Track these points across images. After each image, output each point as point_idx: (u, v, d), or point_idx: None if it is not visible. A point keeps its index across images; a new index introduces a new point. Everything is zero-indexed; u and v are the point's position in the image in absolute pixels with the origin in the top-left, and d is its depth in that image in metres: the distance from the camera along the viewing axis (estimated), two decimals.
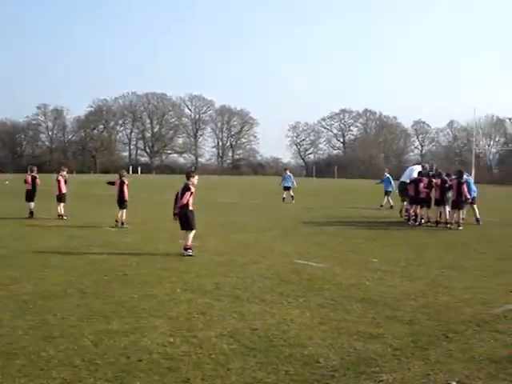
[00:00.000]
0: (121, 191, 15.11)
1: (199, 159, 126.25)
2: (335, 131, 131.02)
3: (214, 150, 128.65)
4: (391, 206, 23.33)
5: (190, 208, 10.43)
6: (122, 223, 14.74)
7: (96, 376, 4.39)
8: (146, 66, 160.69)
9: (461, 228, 15.69)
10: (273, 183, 59.29)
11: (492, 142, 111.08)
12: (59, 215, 16.89)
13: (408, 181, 17.44)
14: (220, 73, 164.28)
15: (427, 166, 18.27)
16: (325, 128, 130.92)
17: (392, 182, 24.26)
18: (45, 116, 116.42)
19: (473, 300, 7.02)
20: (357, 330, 5.63)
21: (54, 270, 8.65)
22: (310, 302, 6.75)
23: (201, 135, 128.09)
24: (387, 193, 24.12)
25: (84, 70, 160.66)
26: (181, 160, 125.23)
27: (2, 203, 22.81)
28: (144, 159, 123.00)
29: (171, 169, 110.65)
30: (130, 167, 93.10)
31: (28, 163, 35.32)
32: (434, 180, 16.54)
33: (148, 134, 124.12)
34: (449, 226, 15.93)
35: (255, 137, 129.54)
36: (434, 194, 16.65)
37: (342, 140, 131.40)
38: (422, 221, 16.64)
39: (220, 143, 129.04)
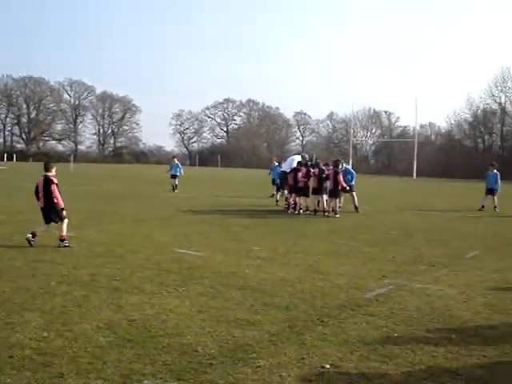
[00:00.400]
0: None
1: (79, 146, 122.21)
2: (219, 120, 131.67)
3: (95, 137, 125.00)
4: (272, 195, 23.77)
5: (60, 202, 9.95)
6: None
7: None
8: (25, 49, 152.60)
9: (338, 216, 16.30)
10: (155, 171, 58.57)
11: (369, 134, 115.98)
12: None
13: (288, 170, 17.86)
14: (103, 58, 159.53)
15: (306, 155, 18.84)
16: (208, 117, 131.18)
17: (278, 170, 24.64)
18: None
19: (347, 285, 7.31)
20: (235, 318, 5.69)
21: None
22: (189, 291, 6.74)
23: (81, 122, 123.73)
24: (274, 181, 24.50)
25: None
26: (59, 147, 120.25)
27: None
28: (20, 146, 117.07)
29: (49, 156, 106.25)
30: (5, 154, 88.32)
31: None
32: (312, 170, 17.04)
33: (24, 120, 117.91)
34: (326, 214, 16.49)
35: (138, 124, 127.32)
36: (312, 183, 17.14)
37: (225, 129, 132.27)
38: (301, 210, 17.09)
39: (101, 130, 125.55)
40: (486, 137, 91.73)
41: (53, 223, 10.04)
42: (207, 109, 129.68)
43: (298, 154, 19.28)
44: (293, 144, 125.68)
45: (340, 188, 16.82)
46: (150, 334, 5.15)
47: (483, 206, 20.69)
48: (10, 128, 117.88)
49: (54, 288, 6.78)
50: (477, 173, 22.99)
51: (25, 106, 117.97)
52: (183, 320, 5.60)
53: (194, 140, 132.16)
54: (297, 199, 17.17)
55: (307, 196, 17.24)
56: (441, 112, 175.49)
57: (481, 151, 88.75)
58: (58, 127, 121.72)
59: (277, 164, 24.71)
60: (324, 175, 16.82)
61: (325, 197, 16.84)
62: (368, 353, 4.80)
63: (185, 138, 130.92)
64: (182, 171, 28.45)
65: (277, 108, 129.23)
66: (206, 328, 5.34)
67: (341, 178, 16.77)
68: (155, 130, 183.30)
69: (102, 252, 9.35)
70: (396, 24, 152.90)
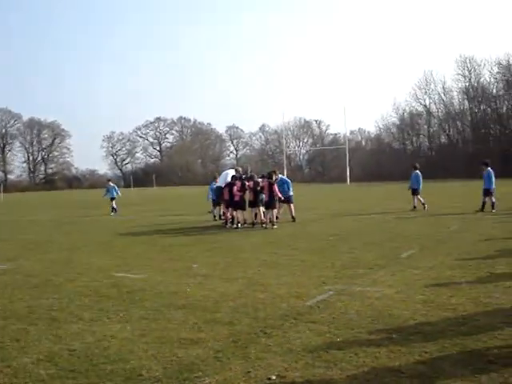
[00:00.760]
0: None
1: (8, 176, 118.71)
2: (151, 140, 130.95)
3: (25, 165, 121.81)
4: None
5: None
6: None
7: None
8: None
9: (275, 227, 16.42)
10: (89, 196, 57.52)
11: (301, 143, 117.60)
12: None
13: (223, 185, 17.88)
14: (27, 85, 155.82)
15: (240, 169, 18.99)
16: (140, 137, 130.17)
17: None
18: None
19: (288, 294, 7.36)
20: (178, 338, 5.63)
21: None
22: (130, 315, 6.63)
23: (9, 150, 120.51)
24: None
25: None
26: None
27: None
28: None
29: None
30: None
31: None
32: (246, 183, 17.12)
33: None
34: (264, 226, 16.59)
35: (68, 149, 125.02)
36: (247, 196, 17.22)
37: (158, 148, 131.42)
38: (239, 224, 17.12)
39: (31, 158, 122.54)
40: (414, 138, 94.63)
41: None
42: (138, 129, 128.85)
43: (232, 168, 19.36)
44: (227, 158, 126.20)
45: (276, 199, 16.96)
46: (92, 362, 5.04)
47: (414, 207, 21.31)
48: None
49: None
50: (406, 174, 23.65)
51: None
52: (125, 345, 5.50)
53: (127, 161, 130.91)
54: (234, 213, 17.20)
55: (244, 209, 17.30)
56: (369, 117, 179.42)
57: (410, 153, 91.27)
58: None
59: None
60: (259, 187, 16.92)
61: (261, 209, 16.95)
62: (313, 360, 4.83)
63: (118, 159, 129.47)
64: (119, 193, 28.31)
65: (209, 124, 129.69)
66: (149, 351, 5.27)
67: (275, 188, 16.93)
68: (87, 154, 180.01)
69: (38, 283, 9.08)
70: (321, 34, 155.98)
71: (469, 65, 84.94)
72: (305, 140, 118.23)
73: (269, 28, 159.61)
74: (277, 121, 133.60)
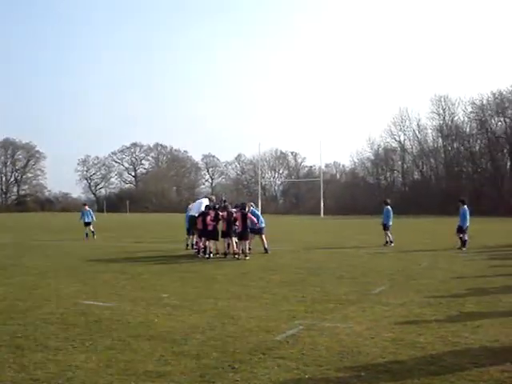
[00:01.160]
0: None
1: None
2: (127, 165, 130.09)
3: None
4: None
5: None
6: None
7: None
8: None
9: (248, 258, 16.36)
10: (61, 219, 56.86)
11: (276, 174, 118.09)
12: None
13: (196, 215, 17.80)
14: (3, 103, 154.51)
15: (213, 197, 19.00)
16: (116, 162, 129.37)
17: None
18: None
19: (258, 328, 7.30)
20: (145, 370, 5.53)
21: None
22: (96, 345, 6.51)
23: None
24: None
25: None
26: None
27: None
28: None
29: None
30: None
31: None
32: (220, 213, 17.09)
33: None
34: (237, 256, 16.52)
35: (42, 171, 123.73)
36: (221, 226, 17.17)
37: (133, 174, 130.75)
38: (211, 254, 17.02)
39: (3, 178, 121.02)
40: (388, 174, 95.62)
41: None
42: (114, 154, 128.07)
43: (206, 197, 19.29)
44: (202, 187, 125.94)
45: (249, 230, 16.96)
46: None
47: (387, 242, 21.45)
48: None
49: None
50: (380, 209, 23.82)
51: None
52: (90, 376, 5.39)
53: (101, 186, 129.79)
54: (206, 243, 17.11)
55: (217, 239, 17.23)
56: (345, 151, 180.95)
57: (384, 188, 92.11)
58: None
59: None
60: (233, 218, 16.91)
61: (234, 239, 16.90)
62: None
63: (92, 183, 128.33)
64: (94, 218, 28.11)
65: (185, 151, 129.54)
66: (114, 383, 5.16)
67: (250, 216, 16.97)
68: (60, 177, 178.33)
69: (2, 308, 8.90)
70: (298, 67, 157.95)
71: (443, 103, 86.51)
72: (280, 171, 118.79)
73: (247, 57, 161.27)
74: (253, 151, 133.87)
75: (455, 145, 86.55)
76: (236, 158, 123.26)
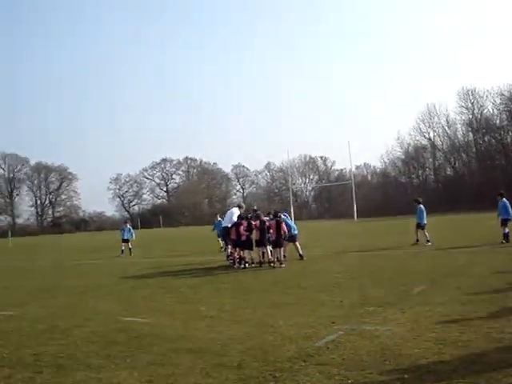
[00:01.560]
0: None
1: (17, 220, 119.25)
2: (158, 180, 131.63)
3: (33, 209, 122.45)
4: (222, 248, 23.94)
5: None
6: None
7: None
8: None
9: (283, 266, 16.31)
10: (97, 238, 57.54)
11: (307, 180, 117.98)
12: None
13: (229, 225, 17.83)
14: (34, 129, 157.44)
15: (243, 204, 19.09)
16: (147, 178, 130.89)
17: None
18: None
19: (297, 335, 7.25)
20: (186, 383, 5.54)
21: None
22: (137, 361, 6.54)
23: (17, 195, 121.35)
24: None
25: None
26: None
27: None
28: None
29: None
30: None
31: None
32: (253, 222, 17.09)
33: None
34: (272, 265, 16.48)
35: (76, 192, 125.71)
36: (254, 236, 17.17)
37: (165, 189, 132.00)
38: (247, 264, 17.01)
39: (38, 201, 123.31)
40: (420, 172, 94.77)
41: None
42: (145, 170, 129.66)
43: (237, 206, 19.28)
44: (234, 197, 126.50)
45: (283, 237, 16.93)
46: None
47: (417, 240, 21.26)
48: None
49: None
50: (412, 208, 23.56)
51: None
52: None
53: (134, 203, 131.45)
54: (241, 253, 17.12)
55: (251, 249, 17.22)
56: (374, 152, 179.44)
57: (416, 186, 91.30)
58: None
59: (220, 219, 25.05)
60: (266, 226, 16.89)
61: (269, 248, 16.88)
62: None
63: (125, 201, 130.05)
64: (133, 235, 28.38)
65: (215, 163, 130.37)
66: None
67: (283, 226, 16.94)
68: (94, 196, 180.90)
69: (45, 329, 9.00)
70: (322, 71, 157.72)
71: (471, 97, 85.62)
72: (310, 177, 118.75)
73: (270, 66, 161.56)
74: (282, 158, 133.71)
75: (486, 138, 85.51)
76: (266, 167, 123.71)
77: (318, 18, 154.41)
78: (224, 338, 7.38)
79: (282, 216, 17.90)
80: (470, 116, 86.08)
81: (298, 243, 18.24)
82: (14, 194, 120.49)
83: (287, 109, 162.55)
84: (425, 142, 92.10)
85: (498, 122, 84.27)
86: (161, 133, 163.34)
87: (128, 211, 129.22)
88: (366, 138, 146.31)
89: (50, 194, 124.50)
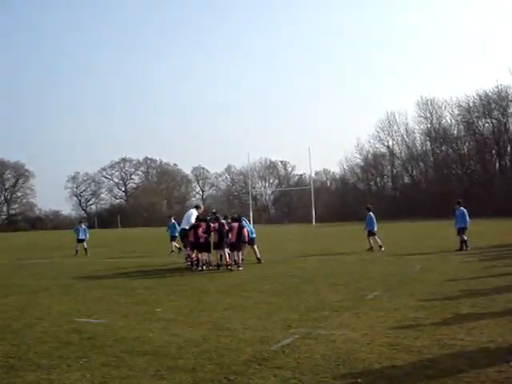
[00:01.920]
0: None
1: None
2: (116, 180, 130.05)
3: None
4: (179, 249, 24.01)
5: None
6: None
7: None
8: None
9: (241, 269, 16.31)
10: (52, 238, 56.54)
11: (267, 184, 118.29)
12: None
13: (187, 227, 17.73)
14: None
15: (202, 205, 19.09)
16: (106, 177, 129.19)
17: (177, 227, 25.11)
18: None
19: (253, 339, 7.26)
20: None
21: None
22: (91, 362, 6.44)
23: None
24: (173, 238, 24.89)
25: None
26: None
27: None
28: None
29: None
30: None
31: None
32: (212, 224, 17.04)
33: None
34: (230, 267, 16.45)
35: (32, 190, 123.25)
36: (212, 238, 17.13)
37: (123, 189, 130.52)
38: (204, 266, 16.94)
39: None
40: (378, 179, 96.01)
41: None
42: (104, 169, 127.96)
43: (194, 207, 19.15)
44: (193, 199, 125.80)
45: (242, 241, 16.95)
46: None
47: (371, 248, 21.59)
48: None
49: None
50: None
51: None
52: None
53: (91, 202, 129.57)
54: (199, 255, 17.04)
55: (209, 251, 17.16)
56: (334, 158, 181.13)
57: (374, 193, 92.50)
58: None
59: (174, 221, 25.11)
60: (225, 229, 16.86)
61: (227, 250, 16.85)
62: None
63: (82, 200, 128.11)
64: (87, 235, 28.06)
65: (175, 164, 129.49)
66: None
67: (245, 231, 16.99)
68: (51, 195, 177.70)
69: None
70: (284, 75, 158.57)
71: (430, 107, 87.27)
72: (270, 181, 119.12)
73: (235, 68, 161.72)
74: (243, 162, 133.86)
75: (444, 148, 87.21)
76: (226, 170, 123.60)
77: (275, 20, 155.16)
78: (179, 341, 7.33)
79: (243, 221, 17.92)
80: (429, 125, 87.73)
81: (255, 247, 18.28)
82: None
83: (249, 112, 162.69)
84: (384, 149, 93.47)
85: (455, 132, 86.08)
86: (121, 132, 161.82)
87: (85, 210, 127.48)
88: (326, 144, 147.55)
89: (6, 190, 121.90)
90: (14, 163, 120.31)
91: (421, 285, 11.70)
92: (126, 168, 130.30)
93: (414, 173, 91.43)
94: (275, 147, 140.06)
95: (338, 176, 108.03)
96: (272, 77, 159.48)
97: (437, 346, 6.46)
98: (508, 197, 67.17)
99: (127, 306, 10.48)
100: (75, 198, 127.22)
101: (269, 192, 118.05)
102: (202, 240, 16.83)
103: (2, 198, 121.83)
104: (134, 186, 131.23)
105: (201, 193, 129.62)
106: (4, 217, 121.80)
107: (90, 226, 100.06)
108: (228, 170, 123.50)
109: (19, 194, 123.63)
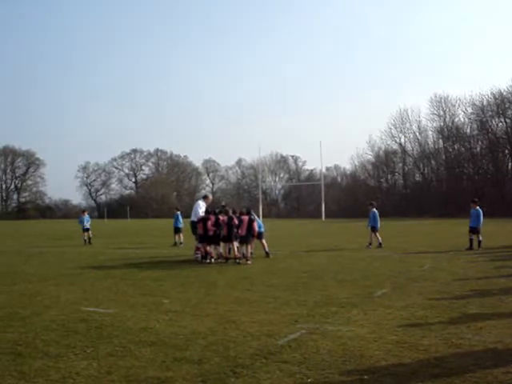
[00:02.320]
0: None
1: None
2: (127, 171, 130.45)
3: None
4: (180, 243, 24.20)
5: None
6: None
7: None
8: None
9: (249, 262, 16.30)
10: (62, 226, 56.87)
11: (277, 178, 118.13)
12: None
13: (196, 219, 17.74)
14: (3, 112, 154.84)
15: (210, 195, 19.10)
16: (116, 168, 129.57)
17: (180, 219, 25.30)
18: None
19: (260, 333, 7.25)
20: (146, 376, 5.48)
21: None
22: (98, 352, 6.46)
23: None
24: (177, 229, 25.02)
25: None
26: None
27: None
28: None
29: None
30: None
31: None
32: (221, 217, 17.03)
33: None
34: (238, 261, 16.46)
35: (42, 178, 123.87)
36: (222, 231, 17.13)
37: (134, 180, 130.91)
38: (213, 259, 16.95)
39: (3, 186, 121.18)
40: (389, 176, 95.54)
41: None
42: (114, 160, 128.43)
43: (202, 198, 19.15)
44: (203, 192, 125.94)
45: (252, 234, 16.94)
46: None
47: (370, 244, 21.62)
48: None
49: None
50: (380, 212, 23.66)
51: None
52: (91, 383, 5.35)
53: (101, 192, 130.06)
54: (207, 248, 17.06)
55: (218, 244, 17.17)
56: (345, 154, 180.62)
57: (385, 190, 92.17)
58: None
59: (178, 213, 25.88)
60: (234, 222, 16.84)
61: (235, 244, 16.84)
62: None
63: (92, 190, 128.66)
64: (88, 223, 28.25)
65: (185, 156, 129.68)
66: None
67: (255, 225, 16.96)
68: (61, 184, 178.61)
69: (3, 316, 8.84)
70: (296, 70, 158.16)
71: (443, 104, 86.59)
72: (281, 175, 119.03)
73: (250, 62, 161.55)
74: (253, 155, 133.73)
75: (456, 146, 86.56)
76: (236, 163, 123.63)
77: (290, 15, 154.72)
78: (186, 333, 7.34)
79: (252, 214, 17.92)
80: (442, 123, 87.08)
81: (264, 241, 18.27)
82: None
83: (261, 105, 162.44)
84: (395, 146, 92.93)
85: (468, 130, 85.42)
86: (132, 123, 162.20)
87: (95, 200, 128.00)
88: (338, 139, 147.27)
89: (16, 178, 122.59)
90: (25, 151, 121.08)
91: (429, 283, 11.65)
92: (137, 159, 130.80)
93: (426, 171, 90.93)
94: (286, 142, 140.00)
95: (348, 172, 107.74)
96: (284, 73, 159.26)
97: (444, 345, 6.43)
98: None
99: (135, 297, 10.51)
100: (85, 188, 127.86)
101: (279, 186, 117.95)
102: (210, 233, 16.83)
103: (13, 185, 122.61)
104: (144, 177, 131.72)
105: (211, 185, 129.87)
106: (14, 205, 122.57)
107: (100, 216, 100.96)
108: (238, 163, 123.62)
109: (30, 182, 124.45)
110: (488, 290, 10.56)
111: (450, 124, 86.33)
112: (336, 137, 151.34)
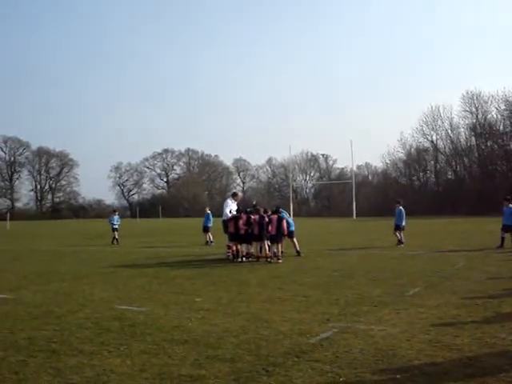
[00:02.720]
0: None
1: (16, 203, 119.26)
2: (158, 171, 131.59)
3: (32, 193, 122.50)
4: (211, 242, 24.32)
5: None
6: None
7: None
8: None
9: (280, 261, 16.31)
10: (95, 226, 57.57)
11: (308, 177, 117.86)
12: None
13: (225, 218, 17.82)
14: (37, 113, 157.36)
15: (240, 193, 19.23)
16: (148, 168, 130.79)
17: (211, 219, 25.39)
18: None
19: (291, 331, 7.26)
20: (179, 374, 5.54)
21: None
22: (131, 349, 6.55)
23: (17, 178, 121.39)
24: (206, 228, 25.15)
25: None
26: None
27: None
28: None
29: None
30: None
31: None
32: (252, 216, 17.07)
33: None
34: (269, 260, 16.48)
35: (76, 178, 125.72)
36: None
37: (165, 179, 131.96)
38: (244, 257, 17.01)
39: (38, 186, 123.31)
40: (421, 174, 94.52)
41: None
42: (146, 160, 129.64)
43: (231, 196, 19.24)
44: (234, 191, 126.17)
45: (282, 233, 16.93)
46: None
47: (400, 241, 21.48)
48: None
49: None
50: (412, 210, 23.47)
51: None
52: (125, 380, 5.42)
53: (133, 192, 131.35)
54: (239, 247, 17.12)
55: (249, 243, 17.21)
56: (376, 152, 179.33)
57: (417, 188, 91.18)
58: None
59: (209, 212, 25.51)
60: (265, 221, 16.86)
61: (266, 243, 16.86)
62: None
63: (124, 190, 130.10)
64: (117, 223, 28.50)
65: (216, 156, 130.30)
66: None
67: (285, 224, 16.94)
68: (94, 184, 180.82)
69: (39, 313, 9.01)
70: (325, 70, 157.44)
71: (476, 101, 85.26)
72: (311, 174, 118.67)
73: (274, 64, 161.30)
74: (284, 154, 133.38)
75: (489, 143, 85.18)
76: (267, 162, 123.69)
77: (318, 18, 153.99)
78: (218, 331, 7.39)
79: (283, 213, 17.90)
80: (474, 120, 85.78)
81: (295, 239, 18.25)
82: (14, 178, 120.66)
83: (291, 104, 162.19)
84: (427, 144, 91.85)
85: (501, 127, 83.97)
86: (164, 123, 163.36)
87: (127, 200, 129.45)
88: (369, 137, 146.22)
89: (51, 179, 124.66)
90: (59, 152, 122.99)
91: (462, 282, 11.52)
92: (168, 159, 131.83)
93: (458, 168, 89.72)
94: (317, 140, 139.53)
95: (380, 170, 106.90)
96: (318, 73, 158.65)
97: (477, 345, 6.36)
98: None
99: (167, 295, 10.60)
100: (118, 188, 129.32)
101: (309, 185, 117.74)
102: (242, 232, 16.89)
103: (47, 186, 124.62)
104: (175, 176, 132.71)
105: (241, 184, 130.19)
106: (48, 205, 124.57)
107: (132, 216, 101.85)
108: (269, 162, 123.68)
109: (63, 182, 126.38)
110: None
111: (483, 121, 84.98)
112: (367, 134, 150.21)
